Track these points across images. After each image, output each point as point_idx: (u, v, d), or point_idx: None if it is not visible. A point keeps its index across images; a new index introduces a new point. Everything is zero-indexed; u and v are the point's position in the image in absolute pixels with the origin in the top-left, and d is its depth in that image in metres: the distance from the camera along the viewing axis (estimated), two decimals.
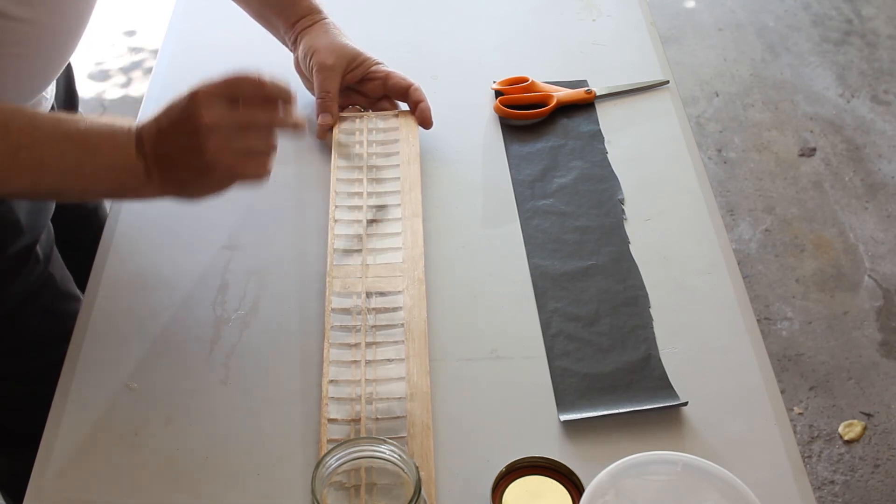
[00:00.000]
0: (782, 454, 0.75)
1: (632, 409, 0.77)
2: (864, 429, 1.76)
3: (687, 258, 0.90)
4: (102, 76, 2.56)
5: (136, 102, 2.28)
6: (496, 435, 0.76)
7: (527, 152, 1.00)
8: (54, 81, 0.91)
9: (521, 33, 1.17)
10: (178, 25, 1.18)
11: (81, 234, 1.05)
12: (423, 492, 0.64)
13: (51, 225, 0.97)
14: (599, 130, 1.03)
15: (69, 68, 1.03)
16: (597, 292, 0.86)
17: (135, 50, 2.65)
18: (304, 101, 1.02)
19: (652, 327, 0.84)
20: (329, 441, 0.74)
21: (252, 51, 1.04)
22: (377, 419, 0.75)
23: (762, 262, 2.06)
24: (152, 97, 1.06)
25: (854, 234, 2.13)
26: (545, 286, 0.87)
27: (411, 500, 0.62)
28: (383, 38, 1.11)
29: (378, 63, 1.00)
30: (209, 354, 0.82)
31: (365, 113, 1.01)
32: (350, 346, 0.80)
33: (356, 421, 0.75)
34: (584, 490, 0.65)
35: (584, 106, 1.05)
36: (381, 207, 0.92)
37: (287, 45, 1.02)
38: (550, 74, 1.08)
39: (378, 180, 0.94)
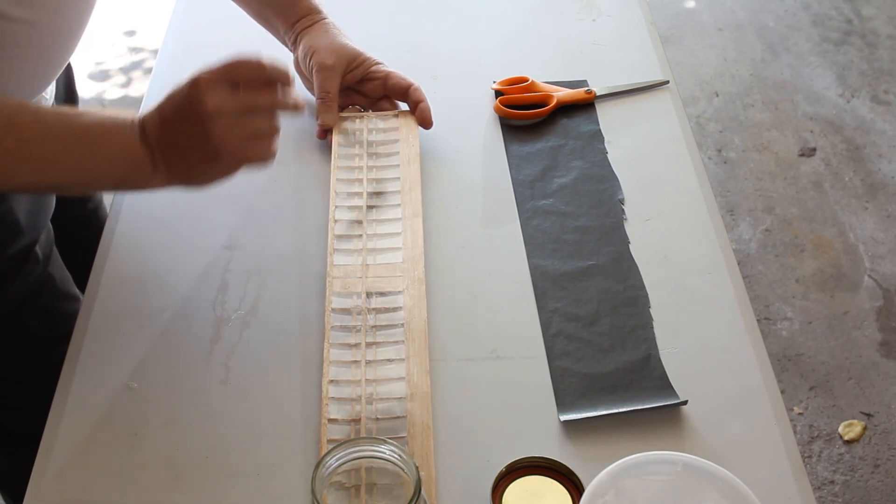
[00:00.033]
0: (782, 454, 0.75)
1: (632, 408, 0.77)
2: (864, 429, 1.76)
3: (687, 258, 0.90)
4: (102, 76, 2.56)
5: (136, 102, 2.28)
6: (496, 435, 0.76)
7: (527, 152, 1.00)
8: (54, 82, 0.91)
9: (521, 33, 1.17)
10: (178, 25, 1.18)
11: (81, 234, 1.05)
12: (423, 492, 0.64)
13: (50, 225, 0.97)
14: (599, 130, 1.03)
15: (69, 68, 1.03)
16: (597, 292, 0.86)
17: (135, 50, 2.65)
18: (303, 101, 1.02)
19: (652, 327, 0.84)
20: (329, 441, 0.74)
21: (252, 51, 1.04)
22: (377, 419, 0.75)
23: (762, 262, 2.06)
24: (152, 97, 1.06)
25: (854, 234, 2.13)
26: (545, 286, 0.87)
27: (411, 500, 0.62)
28: (383, 38, 1.11)
29: (378, 63, 1.00)
30: (209, 354, 0.82)
31: (365, 113, 1.01)
32: (350, 346, 0.80)
33: (356, 421, 0.75)
34: (584, 490, 0.65)
35: (584, 106, 1.05)
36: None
37: (287, 46, 1.02)
38: (550, 74, 1.08)
39: (378, 180, 0.94)
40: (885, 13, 2.76)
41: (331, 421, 0.75)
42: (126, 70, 2.58)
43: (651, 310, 0.85)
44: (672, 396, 0.78)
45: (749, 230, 2.13)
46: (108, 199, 1.04)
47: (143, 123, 0.73)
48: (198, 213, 0.94)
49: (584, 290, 0.87)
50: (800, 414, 1.79)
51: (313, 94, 1.00)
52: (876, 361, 1.87)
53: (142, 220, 0.94)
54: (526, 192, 0.96)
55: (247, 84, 0.73)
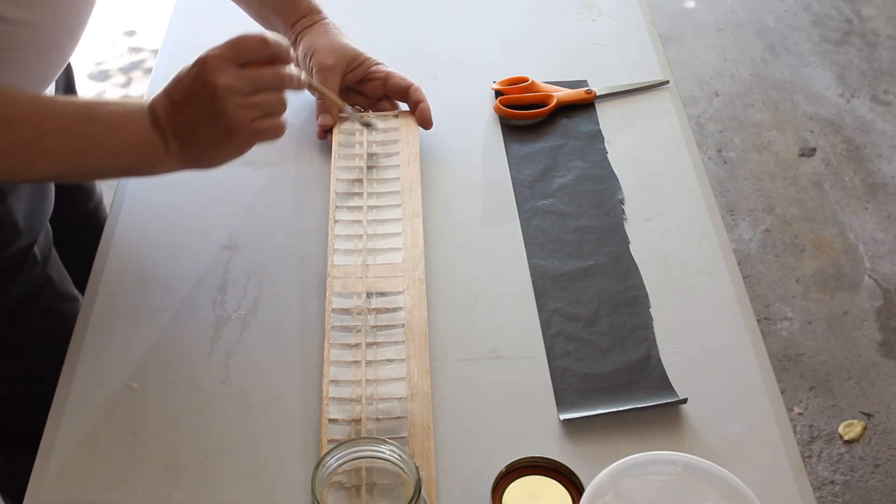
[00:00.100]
0: (782, 454, 0.75)
1: (632, 406, 0.77)
2: (864, 429, 1.76)
3: (687, 258, 0.90)
4: (102, 76, 2.56)
5: None
6: (496, 435, 0.76)
7: (527, 152, 1.00)
8: (54, 82, 0.91)
9: (521, 33, 1.17)
10: (178, 25, 1.18)
11: (81, 234, 1.05)
12: (423, 492, 0.64)
13: (49, 226, 0.97)
14: (599, 130, 1.03)
15: (69, 68, 1.03)
16: (597, 292, 0.86)
17: (135, 50, 2.65)
18: (304, 101, 1.02)
19: (652, 327, 0.84)
20: (329, 441, 0.74)
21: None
22: (377, 419, 0.75)
23: (762, 262, 2.06)
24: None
25: (854, 234, 2.13)
26: (545, 286, 0.87)
27: (411, 500, 0.62)
28: (383, 38, 1.11)
29: (378, 63, 1.00)
30: (209, 354, 0.82)
31: (365, 113, 1.01)
32: (350, 346, 0.80)
33: (356, 421, 0.75)
34: (584, 490, 0.65)
35: (584, 106, 1.05)
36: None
37: None
38: (550, 74, 1.08)
39: (378, 180, 0.94)
40: (885, 13, 2.76)
41: (331, 421, 0.75)
42: (126, 70, 2.58)
43: (651, 310, 0.85)
44: (672, 396, 0.78)
45: (749, 230, 2.13)
46: (108, 199, 1.04)
47: (153, 108, 0.74)
48: (198, 213, 0.94)
49: (584, 290, 0.87)
50: (800, 414, 1.79)
51: (313, 94, 1.00)
52: (876, 361, 1.87)
53: (142, 220, 0.94)
54: (526, 192, 0.96)
55: (253, 61, 0.74)
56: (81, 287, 0.91)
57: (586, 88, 1.06)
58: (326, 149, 0.99)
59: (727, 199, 2.20)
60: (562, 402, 0.78)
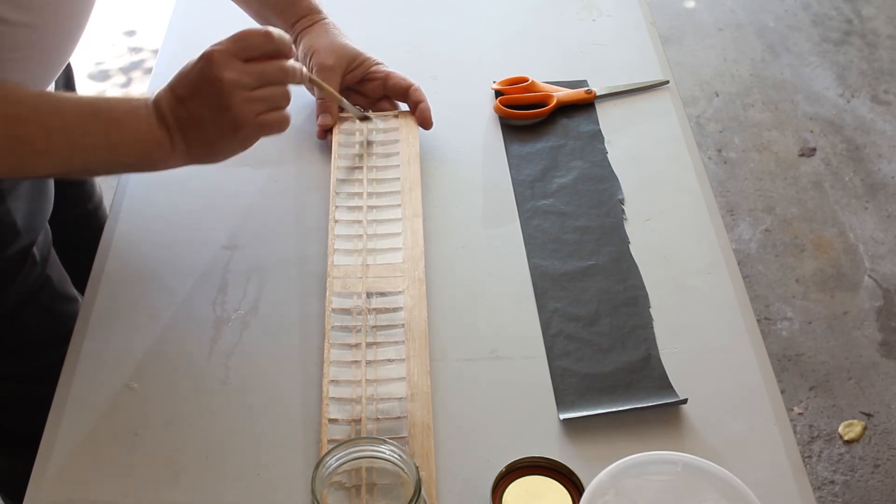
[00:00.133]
0: (782, 454, 0.75)
1: (632, 406, 0.77)
2: (864, 429, 1.76)
3: (687, 258, 0.90)
4: (102, 76, 2.56)
5: None
6: (496, 435, 0.76)
7: (527, 152, 1.00)
8: (53, 82, 0.91)
9: (521, 33, 1.17)
10: (178, 25, 1.18)
11: (81, 234, 1.05)
12: (423, 492, 0.64)
13: (48, 227, 0.97)
14: (599, 130, 1.03)
15: (69, 68, 1.03)
16: (597, 292, 0.86)
17: (135, 50, 2.65)
18: (304, 101, 1.02)
19: (652, 327, 0.84)
20: (329, 441, 0.74)
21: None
22: (377, 419, 0.75)
23: (762, 262, 2.06)
24: None
25: (854, 234, 2.13)
26: (545, 286, 0.87)
27: (411, 500, 0.62)
28: (383, 38, 1.11)
29: (378, 63, 1.00)
30: (209, 354, 0.82)
31: (365, 113, 1.01)
32: (350, 346, 0.80)
33: (356, 421, 0.75)
34: (584, 490, 0.65)
35: (584, 106, 1.05)
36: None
37: None
38: (550, 74, 1.08)
39: (378, 180, 0.94)
40: (885, 13, 2.76)
41: (331, 421, 0.75)
42: (126, 70, 2.58)
43: (651, 310, 0.85)
44: (672, 396, 0.78)
45: (749, 230, 2.13)
46: (108, 199, 1.04)
47: (158, 103, 0.75)
48: (198, 212, 0.94)
49: (584, 290, 0.87)
50: (800, 414, 1.79)
51: (313, 94, 1.00)
52: (876, 361, 1.87)
53: (142, 220, 0.94)
54: (526, 192, 0.96)
55: (257, 56, 0.75)
56: (81, 287, 0.91)
57: (586, 88, 1.06)
58: (326, 149, 0.99)
59: (727, 199, 2.20)
60: (562, 402, 0.78)
